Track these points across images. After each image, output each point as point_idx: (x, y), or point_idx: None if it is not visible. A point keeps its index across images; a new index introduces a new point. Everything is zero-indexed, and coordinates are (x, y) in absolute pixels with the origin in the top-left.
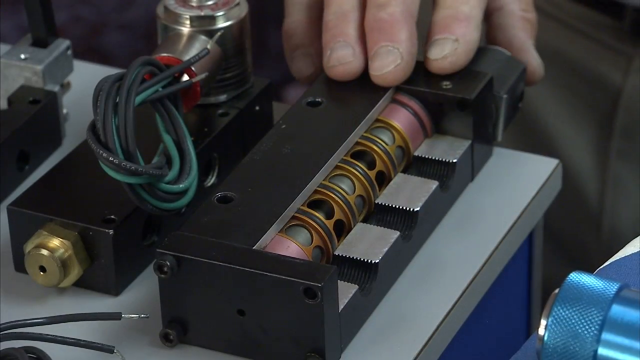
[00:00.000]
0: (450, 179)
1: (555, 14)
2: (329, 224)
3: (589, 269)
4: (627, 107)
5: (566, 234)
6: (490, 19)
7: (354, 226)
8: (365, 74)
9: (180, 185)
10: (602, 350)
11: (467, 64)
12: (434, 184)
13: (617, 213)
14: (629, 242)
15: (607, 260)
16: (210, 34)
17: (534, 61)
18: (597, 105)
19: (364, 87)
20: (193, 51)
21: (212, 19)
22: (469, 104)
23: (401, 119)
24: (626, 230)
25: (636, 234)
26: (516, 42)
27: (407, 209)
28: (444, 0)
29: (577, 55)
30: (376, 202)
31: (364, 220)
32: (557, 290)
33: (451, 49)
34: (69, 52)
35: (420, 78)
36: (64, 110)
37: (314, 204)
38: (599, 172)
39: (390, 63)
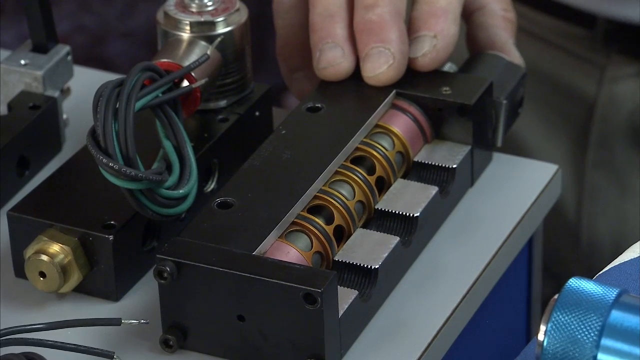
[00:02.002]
0: (450, 185)
1: (527, 27)
2: (329, 229)
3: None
4: (602, 117)
5: (545, 246)
6: (471, 18)
7: (353, 232)
8: (362, 78)
9: (180, 191)
10: (601, 356)
11: (448, 58)
12: (433, 190)
13: (594, 224)
14: (607, 253)
15: (586, 272)
16: (210, 39)
17: (516, 60)
18: (572, 116)
19: (363, 92)
20: (193, 57)
21: (212, 24)
22: (469, 110)
23: (401, 124)
24: (604, 241)
25: (614, 245)
26: (498, 41)
27: (407, 214)
28: None
29: (550, 68)
30: (376, 207)
31: (364, 226)
32: (556, 296)
33: (430, 46)
34: (69, 57)
35: (420, 83)
36: (64, 116)
37: (314, 210)
38: (575, 184)
39: (382, 64)
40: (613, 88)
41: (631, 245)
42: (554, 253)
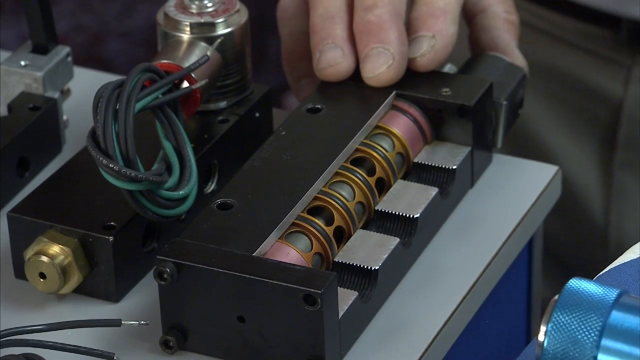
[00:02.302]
0: (450, 186)
1: (551, 30)
2: (329, 230)
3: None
4: (630, 117)
5: (571, 249)
6: (473, 20)
7: (353, 233)
8: (362, 79)
9: (180, 192)
10: (601, 357)
11: (446, 58)
12: (433, 191)
13: (623, 226)
14: None
15: None
16: (210, 40)
17: (518, 62)
18: (598, 118)
19: (363, 93)
20: (193, 58)
21: (212, 25)
22: (469, 111)
23: (401, 125)
24: (633, 242)
25: None
26: (500, 44)
27: (407, 215)
28: None
29: (575, 70)
30: (376, 208)
31: (364, 227)
32: (556, 297)
33: (428, 46)
34: (69, 58)
35: (420, 85)
36: (64, 117)
37: (314, 211)
38: (603, 186)
39: (382, 64)
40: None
41: None
42: (580, 255)
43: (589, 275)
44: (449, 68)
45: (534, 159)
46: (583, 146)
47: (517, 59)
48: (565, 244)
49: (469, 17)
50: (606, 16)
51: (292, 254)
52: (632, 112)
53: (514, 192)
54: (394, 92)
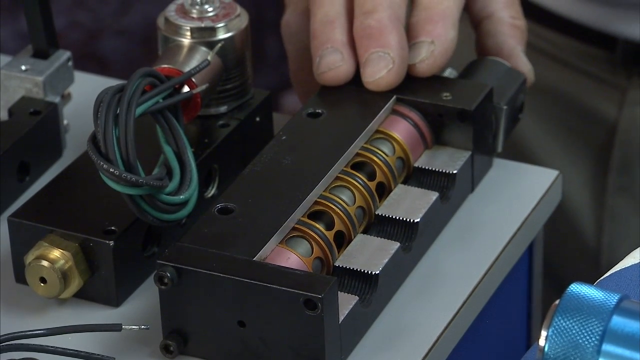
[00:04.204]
0: (450, 190)
1: (547, 49)
2: (329, 235)
3: None
4: (623, 140)
5: (564, 271)
6: (479, 26)
7: (354, 237)
8: (362, 83)
9: (181, 197)
10: None
11: (446, 63)
12: (434, 195)
13: (615, 249)
14: None
15: None
16: (210, 45)
17: (524, 67)
18: (593, 140)
19: (363, 98)
20: (193, 62)
21: (213, 30)
22: (469, 115)
23: (401, 130)
24: None
25: None
26: (506, 49)
27: (408, 220)
28: (419, 1)
29: (570, 90)
30: (376, 213)
31: (364, 231)
32: (557, 301)
33: (428, 52)
34: (70, 63)
35: (420, 89)
36: (65, 122)
37: (315, 215)
38: (596, 208)
39: (382, 68)
40: (634, 111)
41: None
42: (572, 275)
43: None
44: (449, 72)
45: None
46: (577, 167)
47: (523, 63)
48: (556, 262)
49: (475, 23)
50: (603, 36)
51: (292, 258)
52: (626, 135)
53: (514, 196)
54: (394, 97)
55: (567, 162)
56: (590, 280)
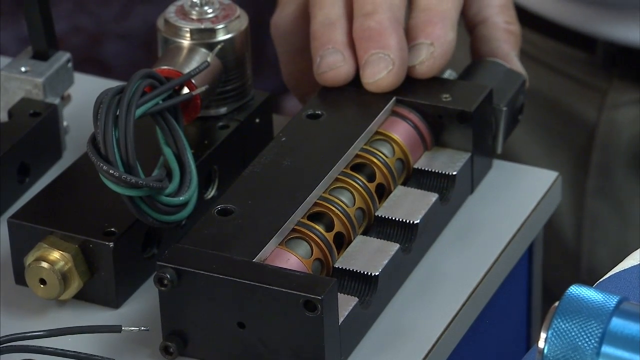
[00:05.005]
0: (450, 192)
1: (528, 50)
2: (329, 236)
3: None
4: (603, 143)
5: (544, 273)
6: (474, 31)
7: (353, 239)
8: (362, 85)
9: (181, 198)
10: None
11: (446, 64)
12: (433, 197)
13: (595, 252)
14: None
15: None
16: (210, 46)
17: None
18: (572, 142)
19: (363, 99)
20: (193, 64)
21: (213, 31)
22: (469, 117)
23: (401, 131)
24: (604, 269)
25: None
26: (500, 54)
27: (407, 221)
28: (418, 3)
29: (551, 92)
30: (376, 214)
31: (364, 233)
32: (557, 303)
33: (427, 54)
34: (70, 64)
35: (420, 90)
36: (65, 123)
37: (314, 217)
38: (575, 210)
39: (382, 69)
40: (614, 114)
41: None
42: (554, 280)
43: (559, 297)
44: (449, 74)
45: None
46: (557, 169)
47: (517, 68)
48: None
49: (470, 28)
50: (582, 37)
51: (292, 260)
52: (605, 138)
53: (514, 198)
54: (394, 98)
55: (547, 163)
56: (569, 281)
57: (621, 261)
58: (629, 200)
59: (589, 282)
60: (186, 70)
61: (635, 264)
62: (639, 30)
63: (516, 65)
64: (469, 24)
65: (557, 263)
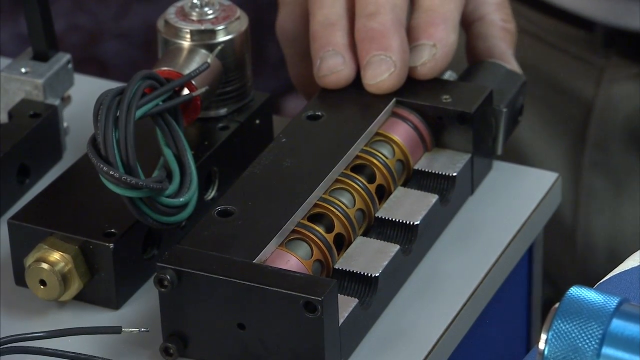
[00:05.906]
0: (450, 193)
1: (527, 27)
2: (329, 237)
3: (565, 283)
4: (600, 118)
5: None
6: (470, 28)
7: (354, 240)
8: (362, 86)
9: (181, 199)
10: None
11: (447, 66)
12: (433, 198)
13: (590, 226)
14: (602, 255)
15: (581, 275)
16: (210, 47)
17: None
18: (570, 117)
19: (363, 100)
20: (193, 65)
21: (213, 32)
22: (469, 118)
23: (401, 132)
24: (600, 244)
25: (610, 248)
26: (496, 52)
27: (407, 222)
28: (420, 4)
29: (548, 68)
30: (376, 215)
31: (364, 234)
32: (557, 304)
33: (429, 55)
34: (70, 65)
35: (420, 92)
36: (65, 124)
37: (314, 218)
38: (572, 185)
39: (384, 71)
40: (611, 89)
41: (627, 248)
42: (549, 256)
43: (558, 275)
44: (449, 75)
45: (506, 154)
46: (554, 144)
47: (513, 67)
48: None
49: (466, 25)
50: (581, 19)
51: (292, 261)
52: (602, 113)
53: (514, 199)
54: (394, 99)
55: (544, 138)
56: (565, 258)
57: (616, 236)
58: (625, 175)
59: (583, 257)
60: (186, 72)
61: (636, 265)
62: (638, 16)
63: (512, 63)
64: (466, 22)
65: (552, 238)
